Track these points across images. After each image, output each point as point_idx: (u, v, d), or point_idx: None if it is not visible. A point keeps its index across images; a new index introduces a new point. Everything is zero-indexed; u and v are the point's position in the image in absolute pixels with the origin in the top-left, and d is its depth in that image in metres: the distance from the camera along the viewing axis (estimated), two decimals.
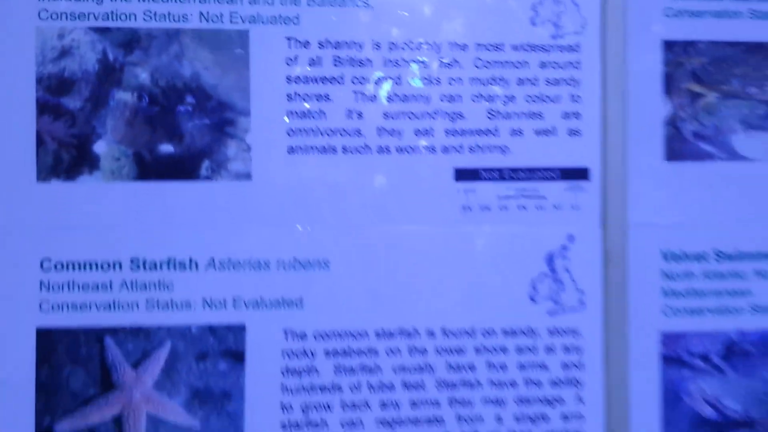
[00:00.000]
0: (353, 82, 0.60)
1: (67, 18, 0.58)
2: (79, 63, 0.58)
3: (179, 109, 0.59)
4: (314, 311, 0.60)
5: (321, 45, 0.60)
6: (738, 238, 0.63)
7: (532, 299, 0.61)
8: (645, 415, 0.61)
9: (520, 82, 0.61)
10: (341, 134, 0.60)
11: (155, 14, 0.59)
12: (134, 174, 0.58)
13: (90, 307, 0.58)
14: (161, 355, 0.58)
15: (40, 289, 0.58)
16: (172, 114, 0.59)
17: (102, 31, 0.58)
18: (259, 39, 0.59)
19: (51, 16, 0.58)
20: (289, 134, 0.60)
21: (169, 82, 0.59)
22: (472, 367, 0.61)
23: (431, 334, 0.60)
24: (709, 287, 0.62)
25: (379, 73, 0.60)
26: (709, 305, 0.62)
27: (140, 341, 0.58)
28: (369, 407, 0.60)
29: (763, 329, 0.63)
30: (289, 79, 0.60)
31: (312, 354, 0.59)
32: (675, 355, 0.62)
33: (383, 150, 0.60)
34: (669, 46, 0.62)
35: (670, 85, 0.62)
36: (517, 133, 0.61)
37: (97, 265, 0.58)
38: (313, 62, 0.60)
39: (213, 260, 0.59)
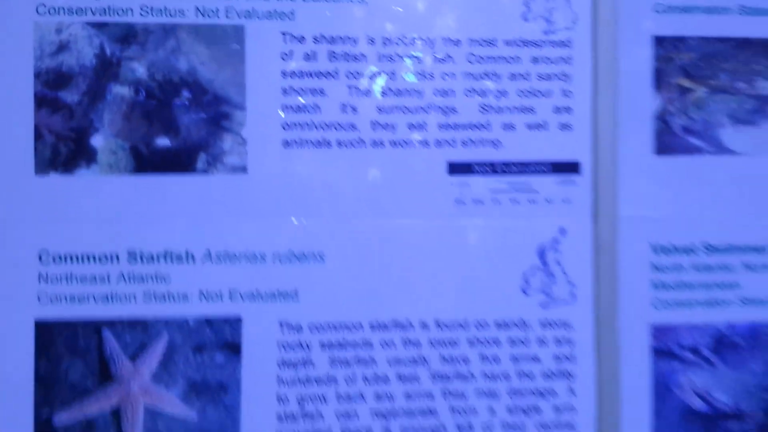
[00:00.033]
0: (348, 77, 0.61)
1: (64, 13, 0.58)
2: (76, 57, 0.58)
3: (176, 103, 0.59)
4: (309, 303, 0.60)
5: (316, 40, 0.60)
6: (727, 231, 0.63)
7: (524, 292, 0.62)
8: (636, 408, 0.62)
9: (513, 77, 0.62)
10: (336, 128, 0.60)
11: (152, 9, 0.59)
12: (131, 167, 0.59)
13: (88, 300, 0.58)
14: (159, 348, 0.59)
15: (39, 281, 0.58)
16: (169, 108, 0.59)
17: (99, 26, 0.59)
18: (254, 34, 0.60)
19: (49, 11, 0.58)
20: (284, 128, 0.60)
21: (165, 77, 0.59)
22: (465, 360, 0.61)
23: (425, 326, 0.61)
24: (699, 280, 0.63)
25: (373, 68, 0.61)
26: (698, 298, 0.63)
27: (138, 333, 0.59)
28: (364, 399, 0.60)
29: (751, 322, 0.63)
30: (284, 73, 0.60)
31: (307, 346, 0.60)
32: (665, 348, 0.62)
33: (377, 144, 0.61)
34: (659, 41, 0.63)
35: (659, 80, 0.63)
36: (509, 127, 0.62)
37: (94, 257, 0.58)
38: (308, 57, 0.60)
39: (209, 253, 0.59)
